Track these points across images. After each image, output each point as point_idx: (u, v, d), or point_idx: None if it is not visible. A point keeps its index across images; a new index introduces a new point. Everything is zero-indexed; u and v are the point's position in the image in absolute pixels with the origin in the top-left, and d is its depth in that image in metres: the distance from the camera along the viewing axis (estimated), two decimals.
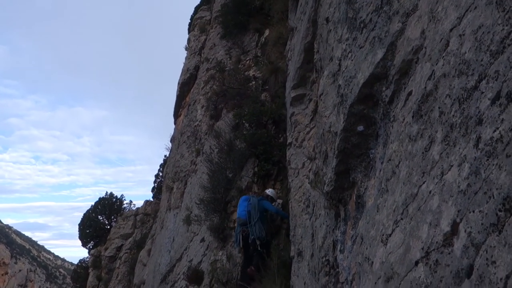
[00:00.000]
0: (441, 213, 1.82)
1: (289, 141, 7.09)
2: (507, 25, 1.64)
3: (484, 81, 1.73)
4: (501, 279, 1.36)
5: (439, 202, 1.87)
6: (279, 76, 10.00)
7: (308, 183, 5.65)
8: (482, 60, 1.77)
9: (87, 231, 28.71)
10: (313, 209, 5.26)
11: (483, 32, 1.81)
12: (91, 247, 28.72)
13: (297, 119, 6.79)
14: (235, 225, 8.18)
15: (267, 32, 12.44)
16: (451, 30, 2.14)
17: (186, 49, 19.51)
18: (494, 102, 1.62)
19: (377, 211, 2.76)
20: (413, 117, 2.44)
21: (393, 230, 2.36)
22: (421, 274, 1.90)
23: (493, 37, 1.72)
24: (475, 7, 1.93)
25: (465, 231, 1.62)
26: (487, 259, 1.45)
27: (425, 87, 2.32)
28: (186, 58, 19.05)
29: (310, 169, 5.84)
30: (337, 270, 3.79)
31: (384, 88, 3.07)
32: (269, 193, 8.05)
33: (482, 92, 1.72)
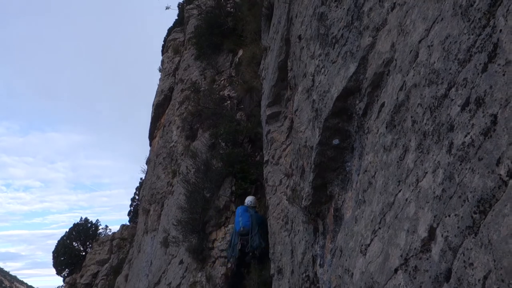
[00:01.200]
0: (418, 220, 1.85)
1: (265, 158, 7.11)
2: (472, 34, 1.70)
3: (453, 89, 1.78)
4: (479, 280, 1.37)
5: (416, 208, 1.89)
6: (254, 95, 10.07)
7: (286, 199, 5.65)
8: (450, 69, 1.83)
9: (62, 258, 27.78)
10: (291, 226, 5.24)
11: (450, 42, 1.87)
12: (66, 275, 27.77)
13: (273, 136, 6.82)
14: (230, 237, 8.03)
15: (240, 52, 12.55)
16: (419, 41, 2.21)
17: (160, 70, 19.48)
18: (464, 108, 1.66)
19: (355, 222, 2.77)
20: (386, 127, 2.49)
21: (371, 240, 2.37)
22: (401, 281, 1.91)
23: (460, 46, 1.78)
24: (442, 19, 2.00)
25: (442, 235, 1.64)
26: (464, 261, 1.47)
27: (397, 98, 2.37)
28: (160, 79, 19.00)
29: (288, 186, 5.85)
30: (318, 285, 3.77)
31: (357, 101, 3.13)
32: (252, 204, 8.03)
33: (452, 100, 1.77)
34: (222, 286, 7.89)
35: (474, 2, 1.73)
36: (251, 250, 7.38)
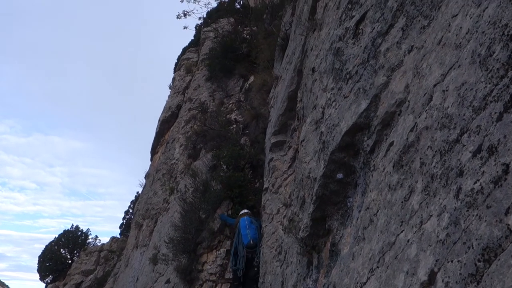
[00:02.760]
0: (419, 262, 1.82)
1: (265, 186, 7.08)
2: (489, 83, 1.72)
3: (466, 135, 1.78)
4: None
5: (417, 251, 1.87)
6: (260, 122, 10.12)
7: (282, 229, 5.60)
8: (464, 115, 1.84)
9: (47, 264, 27.36)
10: (284, 256, 5.18)
11: (466, 89, 1.89)
12: (49, 281, 27.31)
13: (276, 165, 6.81)
14: (232, 249, 7.83)
15: (251, 79, 12.69)
16: (434, 85, 2.23)
17: (170, 87, 19.66)
18: (475, 155, 1.67)
19: (352, 259, 2.74)
20: (393, 167, 2.48)
21: (368, 278, 2.33)
22: None
23: (476, 93, 1.80)
24: (459, 66, 2.03)
25: (442, 280, 1.62)
26: None
27: (407, 138, 2.38)
28: (169, 96, 19.15)
29: (285, 216, 5.80)
30: None
31: (365, 138, 3.13)
32: (251, 215, 7.95)
33: (464, 145, 1.77)
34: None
35: (494, 52, 1.75)
36: (257, 263, 7.24)
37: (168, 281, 9.68)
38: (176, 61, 21.97)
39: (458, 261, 1.55)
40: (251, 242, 7.40)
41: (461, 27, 2.11)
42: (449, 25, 2.27)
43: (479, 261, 1.44)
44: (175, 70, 21.15)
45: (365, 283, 2.36)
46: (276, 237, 6.07)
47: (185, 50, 21.76)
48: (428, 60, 2.44)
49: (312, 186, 3.82)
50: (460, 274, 1.52)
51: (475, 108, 1.77)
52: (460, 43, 2.08)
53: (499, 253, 1.36)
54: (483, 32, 1.87)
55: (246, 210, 8.13)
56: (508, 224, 1.35)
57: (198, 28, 21.47)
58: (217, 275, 8.17)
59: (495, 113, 1.61)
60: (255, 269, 7.25)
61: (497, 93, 1.65)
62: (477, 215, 1.53)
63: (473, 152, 1.69)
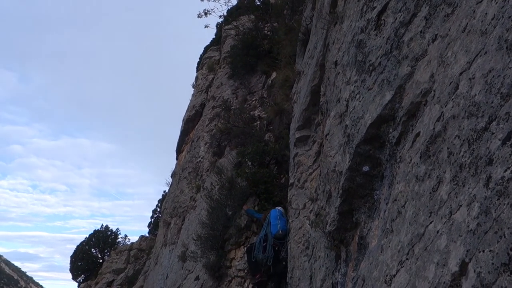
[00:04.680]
0: (449, 253, 1.80)
1: (291, 181, 7.08)
2: None
3: (494, 123, 1.75)
4: None
5: (447, 241, 1.85)
6: (283, 118, 10.10)
7: (309, 224, 5.59)
8: (492, 102, 1.80)
9: (79, 263, 28.08)
10: (312, 251, 5.17)
11: (493, 76, 1.85)
12: (81, 280, 28.00)
13: (300, 160, 6.80)
14: (258, 239, 7.78)
15: (274, 75, 12.67)
16: (460, 73, 2.19)
17: (193, 86, 19.83)
18: (505, 143, 1.63)
19: (381, 252, 2.72)
20: (420, 157, 2.45)
21: (397, 271, 2.32)
22: None
23: (503, 80, 1.76)
24: (485, 52, 1.99)
25: (474, 271, 1.60)
26: None
27: (434, 128, 2.34)
28: (192, 95, 19.33)
29: (311, 210, 5.79)
30: None
31: (391, 130, 3.10)
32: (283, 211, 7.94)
33: (493, 133, 1.74)
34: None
35: None
36: (284, 258, 7.17)
37: (197, 278, 9.80)
38: (199, 60, 22.14)
39: (490, 250, 1.53)
40: (280, 232, 7.30)
41: (486, 13, 2.07)
42: (474, 11, 2.22)
43: (511, 250, 1.41)
44: (197, 69, 21.32)
45: (394, 276, 2.35)
46: (303, 232, 6.06)
47: (207, 48, 21.90)
48: (453, 48, 2.40)
49: (338, 180, 3.80)
50: (493, 264, 1.50)
51: (503, 94, 1.74)
52: (485, 29, 2.03)
53: None
54: (510, 17, 1.82)
55: (280, 206, 8.07)
56: None
57: (219, 27, 21.56)
58: (245, 271, 8.22)
59: None
60: (283, 263, 7.20)
61: None
62: (508, 203, 1.50)
63: (502, 139, 1.66)
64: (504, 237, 1.46)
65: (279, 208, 7.94)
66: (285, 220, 7.48)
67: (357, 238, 3.49)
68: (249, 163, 9.76)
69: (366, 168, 3.38)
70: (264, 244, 7.50)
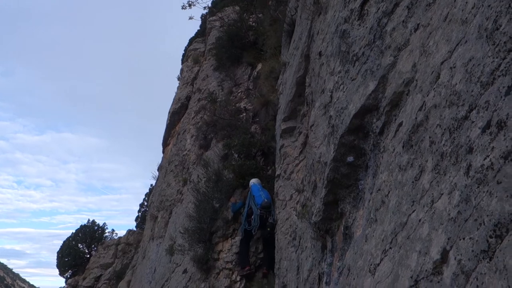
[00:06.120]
0: (431, 241, 1.81)
1: (277, 173, 7.09)
2: (497, 58, 1.69)
3: (474, 111, 1.76)
4: None
5: (429, 230, 1.86)
6: (269, 109, 10.09)
7: (295, 215, 5.62)
8: (472, 91, 1.81)
9: (66, 259, 27.84)
10: (299, 242, 5.20)
11: (474, 65, 1.86)
12: (68, 276, 27.80)
13: (287, 151, 6.81)
14: (244, 211, 8.24)
15: (259, 66, 12.62)
16: (442, 63, 2.20)
17: (179, 79, 19.68)
18: (484, 131, 1.64)
19: (365, 241, 2.74)
20: (403, 147, 2.47)
21: (381, 260, 2.34)
22: None
23: (483, 68, 1.77)
24: (466, 41, 1.99)
25: (455, 258, 1.61)
26: (477, 286, 1.44)
27: (416, 118, 2.35)
28: (178, 87, 19.19)
29: (298, 201, 5.82)
30: None
31: (374, 120, 3.11)
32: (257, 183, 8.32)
33: (473, 122, 1.75)
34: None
35: (500, 25, 1.72)
36: (270, 223, 7.48)
37: (185, 271, 9.80)
38: (184, 52, 21.97)
39: (470, 238, 1.54)
40: (266, 200, 7.71)
41: (466, 2, 2.07)
42: (455, 0, 2.22)
43: (490, 237, 1.43)
44: (182, 61, 21.16)
45: (378, 264, 2.37)
46: (290, 223, 6.09)
47: (191, 40, 21.74)
48: (434, 37, 2.40)
49: (323, 171, 3.81)
50: (472, 251, 1.51)
51: (483, 83, 1.74)
52: (466, 18, 2.04)
53: (510, 228, 1.35)
54: (489, 5, 1.83)
55: (256, 178, 8.40)
56: None
57: (204, 18, 21.41)
58: (233, 263, 8.24)
59: (503, 87, 1.59)
60: (268, 229, 7.53)
61: (505, 67, 1.62)
62: (487, 191, 1.51)
63: (482, 128, 1.67)
64: (484, 224, 1.48)
65: (255, 180, 8.38)
66: (267, 191, 7.91)
67: (342, 228, 3.51)
68: (236, 155, 9.75)
69: (350, 159, 3.39)
70: (249, 219, 7.91)
